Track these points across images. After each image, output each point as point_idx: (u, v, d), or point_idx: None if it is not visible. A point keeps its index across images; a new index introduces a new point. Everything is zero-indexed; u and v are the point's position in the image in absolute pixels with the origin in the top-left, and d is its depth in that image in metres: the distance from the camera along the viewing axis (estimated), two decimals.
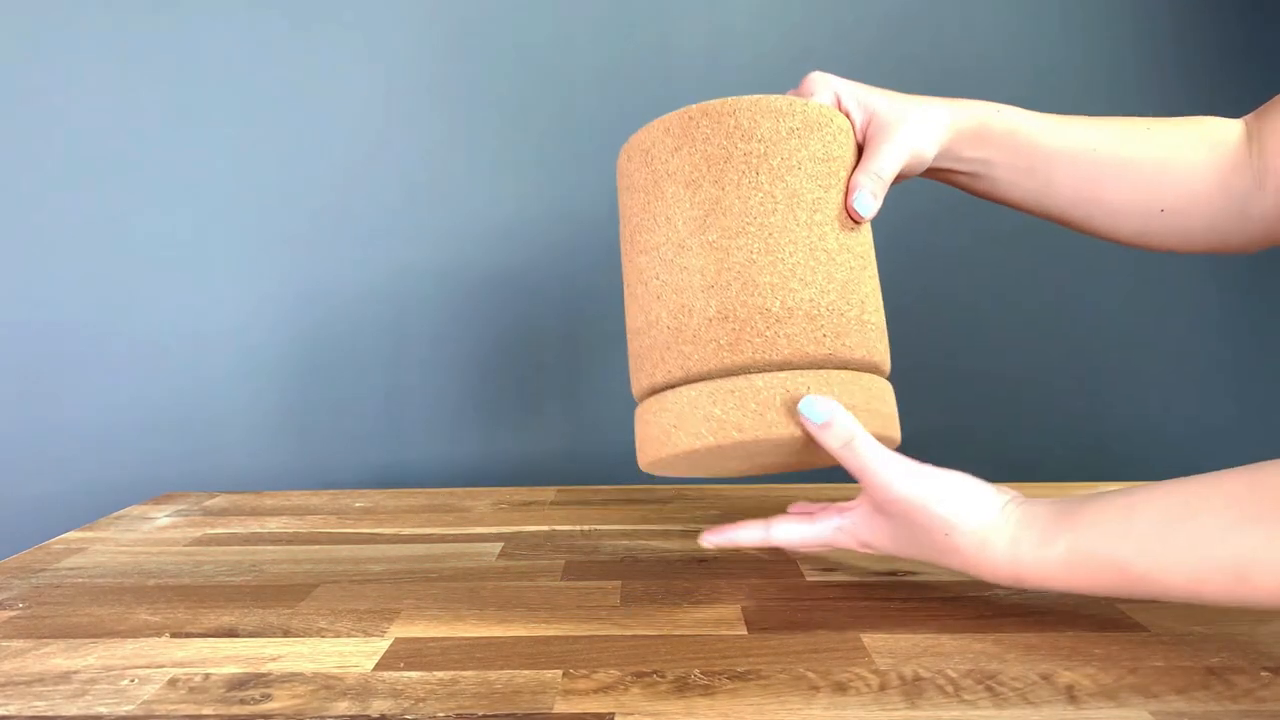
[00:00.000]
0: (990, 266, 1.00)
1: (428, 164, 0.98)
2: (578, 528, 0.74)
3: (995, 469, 1.01)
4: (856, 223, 0.54)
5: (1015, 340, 1.00)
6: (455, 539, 0.71)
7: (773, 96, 0.53)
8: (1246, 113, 0.61)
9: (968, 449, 1.00)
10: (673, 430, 0.51)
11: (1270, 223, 0.60)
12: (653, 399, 0.53)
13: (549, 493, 0.87)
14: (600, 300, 0.99)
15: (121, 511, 0.82)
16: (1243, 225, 0.60)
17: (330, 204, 0.98)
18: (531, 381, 1.00)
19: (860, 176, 0.54)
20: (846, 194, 0.54)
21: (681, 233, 0.52)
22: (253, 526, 0.76)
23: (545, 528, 0.74)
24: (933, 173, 0.62)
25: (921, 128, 0.58)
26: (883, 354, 0.54)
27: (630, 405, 1.00)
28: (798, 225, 0.51)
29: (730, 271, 0.50)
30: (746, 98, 0.52)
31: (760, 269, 0.50)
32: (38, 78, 0.95)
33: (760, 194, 0.51)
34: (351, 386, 0.99)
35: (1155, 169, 0.60)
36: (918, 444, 1.00)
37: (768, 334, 0.50)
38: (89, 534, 0.74)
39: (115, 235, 0.97)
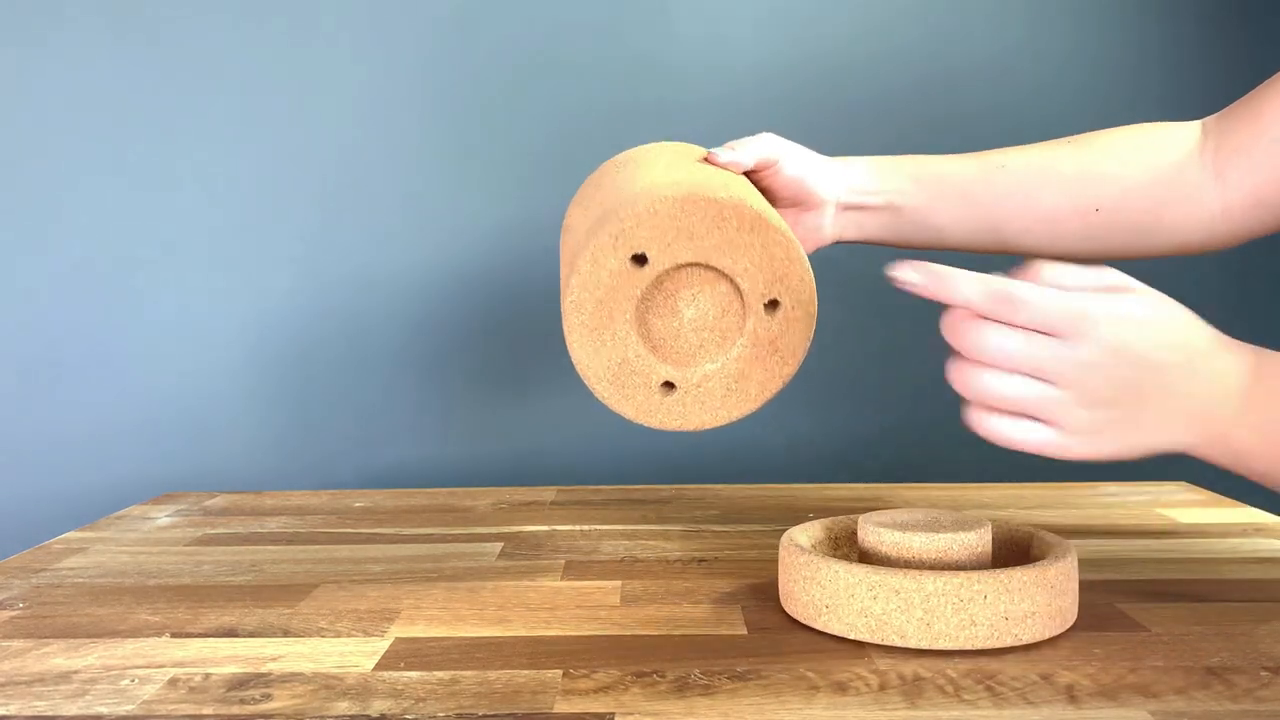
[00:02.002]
0: (990, 266, 1.00)
1: (428, 164, 0.98)
2: (578, 528, 0.74)
3: (996, 468, 1.02)
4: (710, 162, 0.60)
5: None
6: (455, 539, 0.71)
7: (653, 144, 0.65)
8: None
9: (968, 449, 1.00)
10: (824, 609, 0.49)
11: (1232, 219, 0.60)
12: (815, 559, 0.50)
13: (549, 493, 0.87)
14: None
15: (121, 511, 0.82)
16: (1198, 221, 0.60)
17: (330, 204, 0.98)
18: (532, 381, 1.00)
19: (726, 148, 0.61)
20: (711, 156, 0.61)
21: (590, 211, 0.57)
22: (253, 526, 0.76)
23: (545, 528, 0.74)
24: (848, 209, 0.65)
25: (814, 166, 0.64)
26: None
27: None
28: (681, 158, 0.60)
29: (632, 184, 0.55)
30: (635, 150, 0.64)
31: (653, 171, 0.57)
32: (37, 78, 0.95)
33: (649, 157, 0.60)
34: (352, 386, 0.99)
35: (1078, 169, 0.61)
36: (918, 444, 1.00)
37: (650, 188, 0.53)
38: (89, 534, 0.74)
39: (115, 235, 0.97)
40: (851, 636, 0.48)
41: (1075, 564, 0.51)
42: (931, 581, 0.46)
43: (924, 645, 0.47)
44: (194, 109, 0.97)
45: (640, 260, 0.53)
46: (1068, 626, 0.50)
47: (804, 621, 0.51)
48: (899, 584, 0.47)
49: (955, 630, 0.46)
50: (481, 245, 0.99)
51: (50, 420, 0.98)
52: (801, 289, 0.55)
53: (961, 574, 0.47)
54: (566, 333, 0.55)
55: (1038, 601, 0.47)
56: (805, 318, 0.55)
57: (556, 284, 0.98)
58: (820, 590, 0.49)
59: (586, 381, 0.56)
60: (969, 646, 0.47)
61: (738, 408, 0.58)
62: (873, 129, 0.97)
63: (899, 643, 0.47)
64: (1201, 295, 1.00)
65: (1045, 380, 0.43)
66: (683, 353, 0.56)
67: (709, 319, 0.56)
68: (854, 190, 0.64)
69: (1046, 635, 0.48)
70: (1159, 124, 0.63)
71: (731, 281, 0.54)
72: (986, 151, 0.64)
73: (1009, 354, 0.43)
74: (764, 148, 0.61)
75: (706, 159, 0.60)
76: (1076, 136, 0.63)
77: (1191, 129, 0.62)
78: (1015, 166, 0.62)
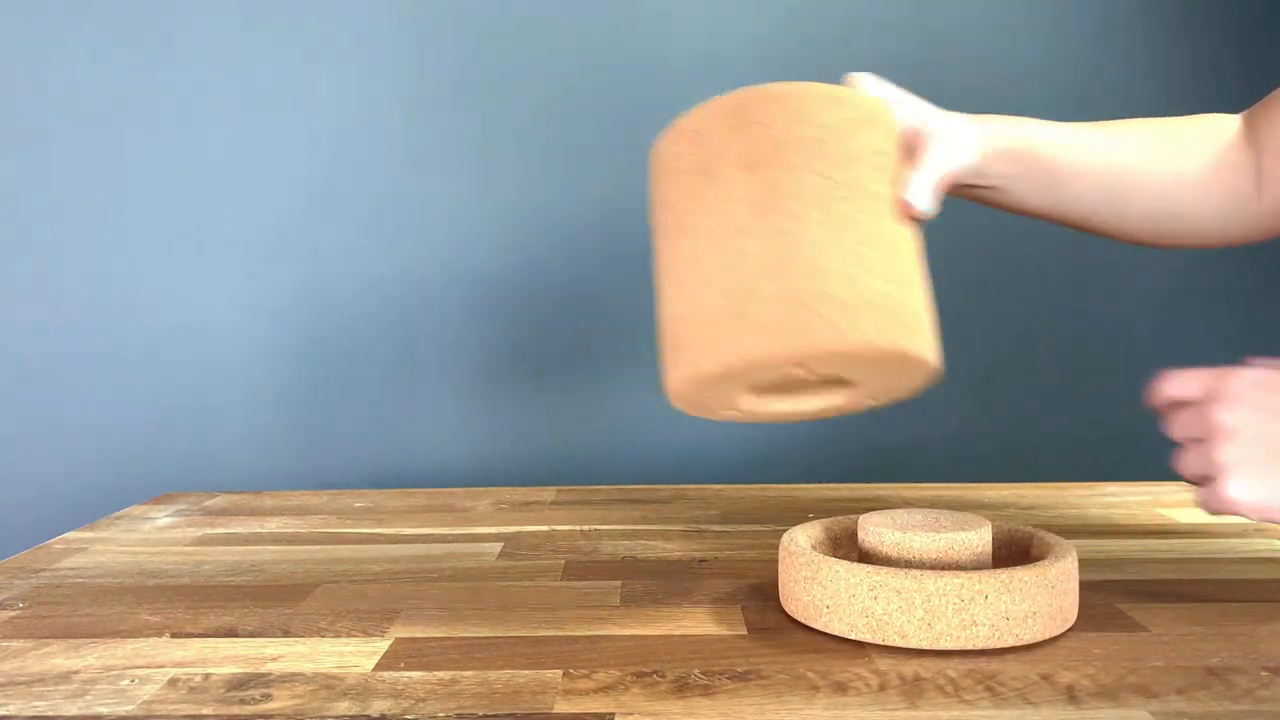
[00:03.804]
0: (991, 265, 1.00)
1: (429, 165, 0.98)
2: (578, 528, 0.74)
3: (996, 469, 1.01)
4: (912, 219, 0.52)
5: (1016, 340, 1.00)
6: (455, 539, 0.71)
7: (832, 85, 0.51)
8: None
9: (969, 449, 1.00)
10: (825, 609, 0.49)
11: (1269, 216, 0.61)
12: (803, 556, 0.50)
13: (549, 493, 0.87)
14: (601, 300, 0.99)
15: (121, 511, 0.82)
16: (1246, 220, 0.62)
17: (331, 204, 0.98)
18: (532, 381, 1.00)
19: (917, 177, 0.53)
20: (902, 190, 0.52)
21: (740, 217, 0.48)
22: (253, 526, 0.76)
23: (545, 528, 0.74)
24: (956, 189, 0.62)
25: (959, 144, 0.57)
26: (938, 352, 0.51)
27: (630, 404, 1.00)
28: (864, 216, 0.48)
29: (796, 256, 0.47)
30: (807, 84, 0.50)
31: (826, 254, 0.47)
32: (38, 79, 0.95)
33: (825, 181, 0.48)
34: (351, 386, 0.99)
35: (1166, 178, 0.61)
36: (918, 444, 1.00)
37: (835, 321, 0.46)
38: (89, 534, 0.74)
39: (115, 235, 0.97)
40: (852, 636, 0.48)
41: (1075, 564, 0.51)
42: (933, 581, 0.46)
43: (925, 645, 0.47)
44: (195, 109, 0.96)
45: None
46: (1068, 626, 0.50)
47: (804, 621, 0.51)
48: (900, 584, 0.47)
49: (956, 630, 0.46)
50: (482, 245, 0.99)
51: (50, 420, 0.98)
52: (915, 389, 0.53)
53: (963, 574, 0.47)
54: (664, 373, 0.52)
55: (1039, 601, 0.47)
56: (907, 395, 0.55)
57: (558, 285, 0.99)
58: (821, 590, 0.49)
59: (668, 397, 0.53)
60: (970, 646, 0.47)
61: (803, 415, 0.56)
62: None
63: (900, 643, 0.47)
64: (1203, 295, 1.00)
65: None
66: (774, 394, 0.54)
67: (814, 390, 0.54)
68: (966, 170, 0.60)
69: (1047, 635, 0.48)
70: (1215, 116, 0.63)
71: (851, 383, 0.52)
72: (1095, 133, 0.62)
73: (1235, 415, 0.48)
74: (945, 165, 0.56)
75: (902, 209, 0.51)
76: (1156, 128, 0.62)
77: (1235, 125, 0.62)
78: (1118, 167, 0.61)
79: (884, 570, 0.48)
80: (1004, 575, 0.47)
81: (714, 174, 0.49)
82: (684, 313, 0.50)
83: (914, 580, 0.47)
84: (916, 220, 0.52)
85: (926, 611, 0.46)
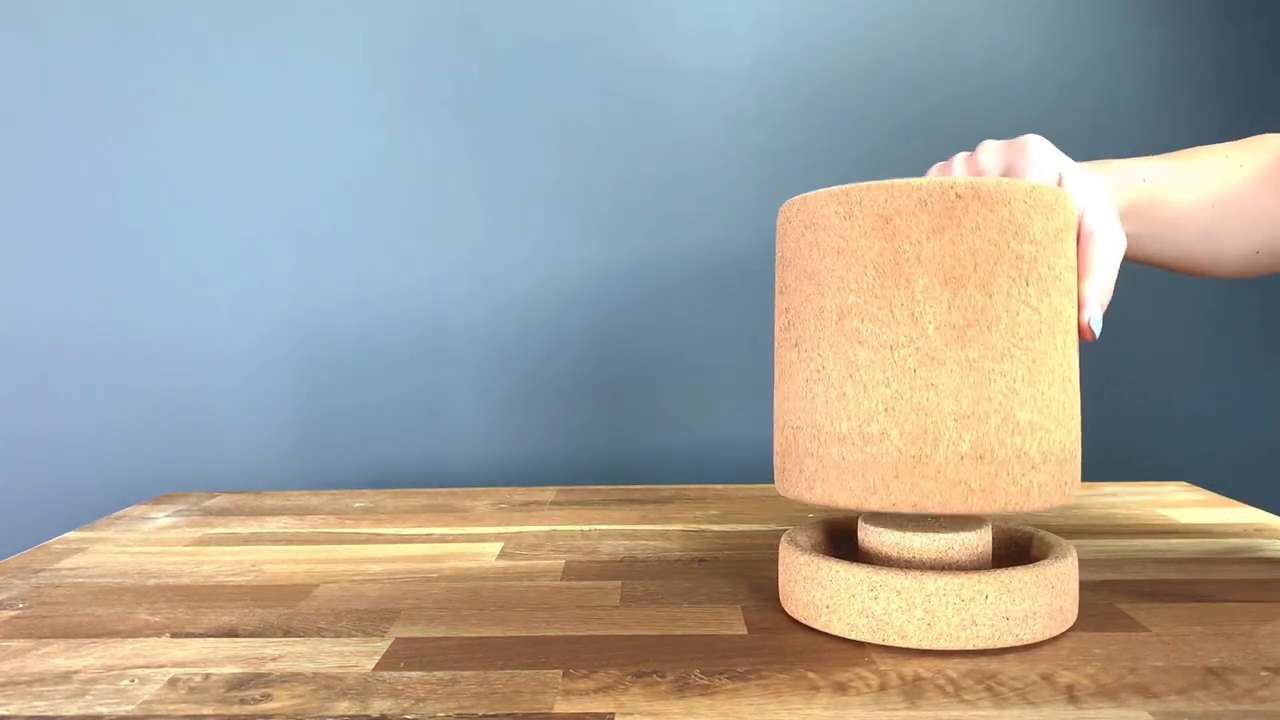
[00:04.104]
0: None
1: (430, 166, 0.98)
2: (578, 528, 0.74)
3: None
4: (1085, 340, 0.49)
5: None
6: (455, 539, 0.71)
7: (1042, 187, 0.45)
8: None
9: None
10: (825, 609, 0.48)
11: None
12: (816, 559, 0.49)
13: (549, 493, 0.87)
14: (601, 300, 0.99)
15: (121, 511, 0.82)
16: None
17: (331, 204, 0.98)
18: (532, 381, 1.00)
19: (1092, 291, 0.49)
20: (1079, 307, 0.48)
21: (933, 340, 0.44)
22: (253, 526, 0.76)
23: (545, 528, 0.74)
24: None
25: (1118, 233, 0.52)
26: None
27: (630, 405, 1.00)
28: (1056, 350, 0.45)
29: (990, 402, 0.44)
30: (1019, 184, 0.45)
31: (1021, 402, 0.44)
32: (39, 77, 0.95)
33: (1028, 310, 0.44)
34: (352, 386, 0.99)
35: (1253, 214, 0.59)
36: None
37: (1023, 482, 0.44)
38: (89, 534, 0.74)
39: (115, 235, 0.97)
40: (852, 636, 0.48)
41: (1075, 564, 0.50)
42: (933, 581, 0.46)
43: (925, 645, 0.47)
44: (196, 109, 0.96)
45: None
46: (1068, 627, 0.50)
47: (804, 621, 0.51)
48: (900, 584, 0.47)
49: (956, 630, 0.46)
50: (481, 245, 0.99)
51: (50, 420, 0.98)
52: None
53: (963, 574, 0.47)
54: (783, 473, 0.51)
55: (1039, 601, 0.47)
56: None
57: (558, 285, 0.99)
58: (821, 590, 0.49)
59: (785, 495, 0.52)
60: (970, 646, 0.47)
61: None
62: (872, 125, 0.97)
63: (900, 643, 0.47)
64: (1203, 294, 1.00)
65: None
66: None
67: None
68: None
69: (1047, 635, 0.48)
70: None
71: None
72: (1187, 166, 0.59)
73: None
74: (1116, 266, 0.51)
75: (1082, 333, 0.48)
76: (1239, 154, 0.59)
77: None
78: (1219, 206, 0.59)
79: (884, 570, 0.47)
80: (1004, 575, 0.47)
81: (905, 277, 0.44)
82: (844, 431, 0.46)
83: (914, 580, 0.46)
84: (1086, 340, 0.49)
85: (926, 611, 0.46)
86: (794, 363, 0.49)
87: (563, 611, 0.55)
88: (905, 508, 0.45)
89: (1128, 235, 0.57)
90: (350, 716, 0.42)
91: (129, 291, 0.97)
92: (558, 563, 0.65)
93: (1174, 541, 0.69)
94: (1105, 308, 0.50)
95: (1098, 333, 0.49)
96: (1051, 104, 0.98)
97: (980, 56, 0.98)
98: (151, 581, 0.62)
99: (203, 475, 0.99)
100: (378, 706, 0.43)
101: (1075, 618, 0.51)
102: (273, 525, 0.76)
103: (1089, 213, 0.51)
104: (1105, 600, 0.56)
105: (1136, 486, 0.87)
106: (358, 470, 1.00)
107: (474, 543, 0.70)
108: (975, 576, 0.46)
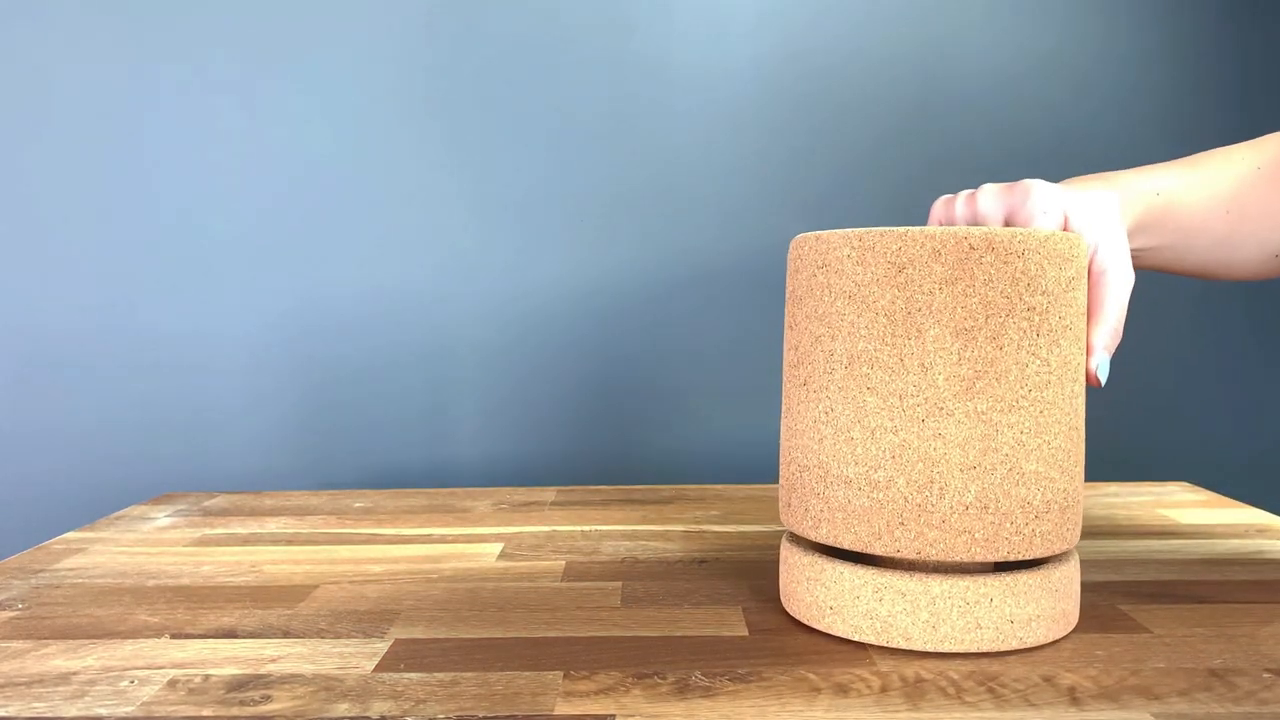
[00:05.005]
0: None
1: (429, 166, 0.98)
2: (578, 528, 0.74)
3: None
4: (1091, 387, 0.49)
5: None
6: (455, 539, 0.71)
7: (1058, 236, 0.45)
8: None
9: None
10: (829, 611, 0.49)
11: None
12: (819, 559, 0.49)
13: (549, 493, 0.87)
14: (603, 301, 0.99)
15: (121, 511, 0.82)
16: None
17: (331, 205, 0.98)
18: (533, 381, 1.00)
19: (1099, 333, 0.49)
20: (1088, 354, 0.48)
21: (942, 391, 0.44)
22: (253, 527, 0.76)
23: (545, 528, 0.74)
24: None
25: (1126, 268, 0.51)
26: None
27: (631, 405, 1.00)
28: (1064, 399, 0.45)
29: (996, 453, 0.44)
30: (1034, 235, 0.44)
31: (1027, 453, 0.45)
32: (39, 78, 0.95)
33: (1038, 361, 0.44)
34: (351, 386, 0.99)
35: (1273, 217, 0.57)
36: None
37: (1026, 531, 0.45)
38: (89, 534, 0.74)
39: (115, 235, 0.97)
40: (856, 638, 0.48)
41: (1077, 566, 0.50)
42: (938, 584, 0.46)
43: (930, 648, 0.47)
44: (196, 109, 0.96)
45: None
46: (1070, 629, 0.50)
47: (807, 623, 0.51)
48: (905, 586, 0.47)
49: (961, 633, 0.46)
50: (481, 246, 0.98)
51: (50, 420, 0.98)
52: None
53: (968, 577, 0.46)
54: (788, 509, 0.52)
55: (1043, 605, 0.47)
56: None
57: (558, 285, 0.99)
58: (825, 591, 0.49)
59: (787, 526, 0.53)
60: (974, 649, 0.47)
61: None
62: (872, 126, 0.97)
63: (905, 645, 0.47)
64: (1204, 294, 1.00)
65: None
66: None
67: None
68: None
69: (1050, 638, 0.48)
70: None
71: None
72: (1202, 172, 0.58)
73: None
74: (1123, 306, 0.51)
75: (1089, 380, 0.49)
76: (1254, 156, 0.58)
77: None
78: (1235, 211, 0.57)
79: (889, 572, 0.47)
80: (1009, 579, 0.46)
81: (916, 327, 0.44)
82: (851, 475, 0.47)
83: (920, 583, 0.46)
84: (1093, 386, 0.49)
85: (932, 614, 0.46)
86: (802, 401, 0.49)
87: (563, 612, 0.55)
88: (909, 554, 0.46)
89: (1142, 250, 0.57)
90: (350, 718, 0.42)
91: (129, 291, 0.97)
92: (558, 563, 0.65)
93: (1175, 542, 0.69)
94: (1113, 351, 0.49)
95: (1104, 380, 0.49)
96: (1055, 105, 0.98)
97: (982, 56, 0.98)
98: (151, 582, 0.62)
99: (203, 475, 0.98)
100: (377, 708, 0.43)
101: (1077, 620, 0.51)
102: (273, 525, 0.76)
103: (1101, 249, 0.50)
104: (1107, 601, 0.56)
105: (1137, 487, 0.87)
106: (358, 470, 1.00)
107: (474, 543, 0.70)
108: (980, 579, 0.46)
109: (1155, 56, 0.98)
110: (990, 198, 0.52)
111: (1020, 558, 0.45)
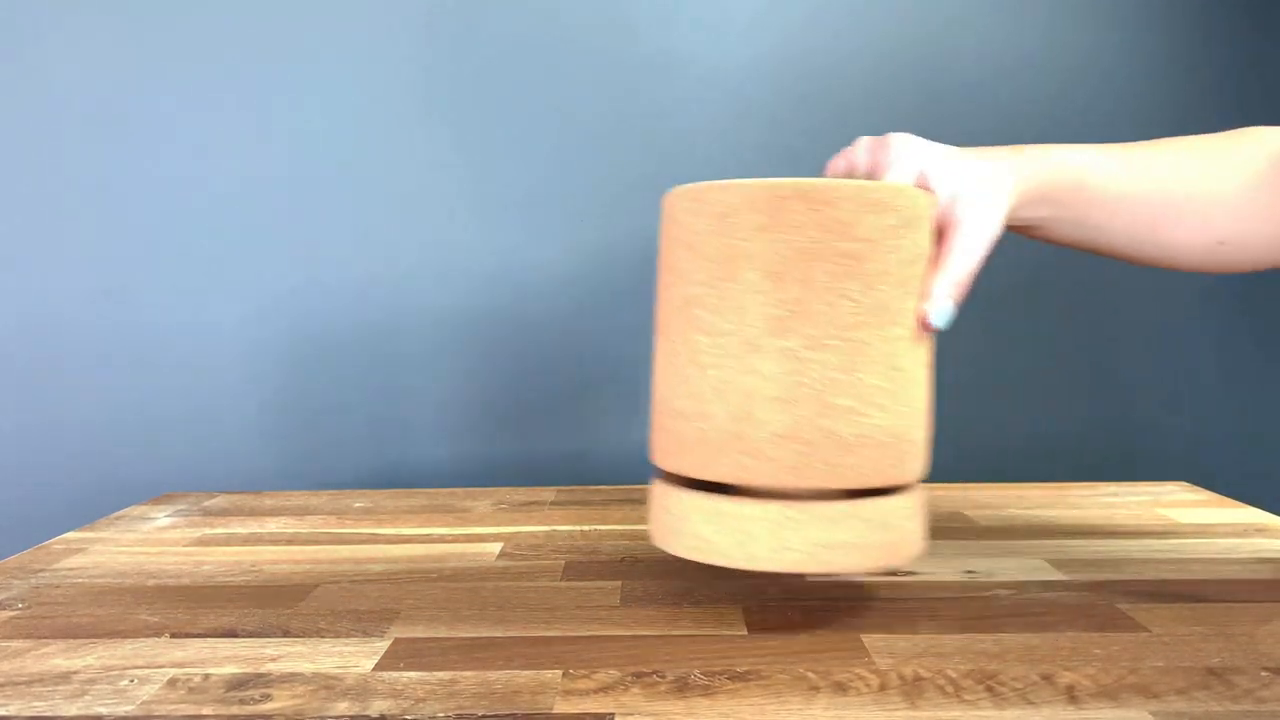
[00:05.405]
0: (991, 266, 1.00)
1: (429, 165, 0.98)
2: (578, 528, 0.74)
3: (997, 469, 1.01)
4: (928, 332, 0.50)
5: (1016, 341, 1.00)
6: (455, 539, 0.71)
7: (875, 186, 0.47)
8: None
9: (970, 449, 1.00)
10: (671, 534, 0.51)
11: None
12: (668, 488, 0.52)
13: (549, 493, 0.87)
14: (601, 300, 0.99)
15: (121, 511, 0.82)
16: None
17: (331, 204, 0.98)
18: (532, 381, 1.00)
19: (941, 281, 0.50)
20: (923, 299, 0.50)
21: (755, 329, 0.47)
22: (253, 526, 0.76)
23: (545, 528, 0.74)
24: None
25: (998, 205, 0.53)
26: (927, 462, 0.52)
27: (632, 406, 1.00)
28: (880, 341, 0.47)
29: (805, 388, 0.47)
30: (848, 184, 0.47)
31: (838, 389, 0.47)
32: (38, 76, 0.95)
33: (849, 303, 0.47)
34: (352, 387, 0.99)
35: (1212, 206, 0.57)
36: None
37: (835, 462, 0.47)
38: (89, 534, 0.74)
39: (115, 235, 0.97)
40: (691, 557, 0.50)
41: (913, 500, 0.50)
42: (750, 508, 0.48)
43: (743, 565, 0.48)
44: (196, 108, 0.96)
45: None
46: (897, 562, 0.50)
47: (661, 546, 0.52)
48: (724, 509, 0.48)
49: (770, 553, 0.47)
50: (480, 245, 0.99)
51: (50, 420, 0.98)
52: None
53: (784, 502, 0.47)
54: (653, 446, 0.54)
55: (853, 533, 0.48)
56: None
57: (558, 285, 0.99)
58: (669, 517, 0.51)
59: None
60: (783, 569, 0.48)
61: None
62: (873, 125, 0.97)
63: (723, 563, 0.48)
64: (1204, 294, 1.00)
65: None
66: None
67: None
68: (1012, 211, 0.56)
69: (864, 567, 0.48)
70: (1268, 131, 0.58)
71: None
72: (1131, 155, 0.58)
73: None
74: (975, 262, 0.52)
75: (921, 325, 0.50)
76: (1203, 146, 0.58)
77: None
78: (1160, 195, 0.57)
79: (716, 497, 0.49)
80: (819, 506, 0.47)
81: (735, 271, 0.47)
82: (684, 408, 0.50)
83: (735, 506, 0.48)
84: (929, 332, 0.50)
85: (745, 535, 0.48)
86: (659, 346, 0.53)
87: (563, 612, 0.55)
88: (730, 480, 0.48)
89: (1043, 219, 0.57)
90: (350, 717, 0.42)
91: (129, 291, 0.97)
92: (558, 563, 0.65)
93: (1174, 542, 0.69)
94: (957, 299, 0.50)
95: (938, 325, 0.50)
96: (1051, 100, 0.98)
97: (981, 53, 0.98)
98: (151, 582, 0.62)
99: (203, 475, 0.99)
100: (377, 707, 0.43)
101: (913, 554, 0.51)
102: (273, 525, 0.76)
103: (960, 201, 0.52)
104: (1106, 600, 0.56)
105: (1136, 486, 0.87)
106: (358, 470, 1.00)
107: (474, 543, 0.70)
108: (792, 505, 0.47)
109: (1156, 56, 0.98)
110: (861, 150, 0.55)
111: (831, 487, 0.47)
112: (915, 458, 0.50)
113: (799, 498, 0.48)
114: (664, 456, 0.52)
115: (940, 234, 0.52)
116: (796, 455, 0.47)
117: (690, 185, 0.50)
